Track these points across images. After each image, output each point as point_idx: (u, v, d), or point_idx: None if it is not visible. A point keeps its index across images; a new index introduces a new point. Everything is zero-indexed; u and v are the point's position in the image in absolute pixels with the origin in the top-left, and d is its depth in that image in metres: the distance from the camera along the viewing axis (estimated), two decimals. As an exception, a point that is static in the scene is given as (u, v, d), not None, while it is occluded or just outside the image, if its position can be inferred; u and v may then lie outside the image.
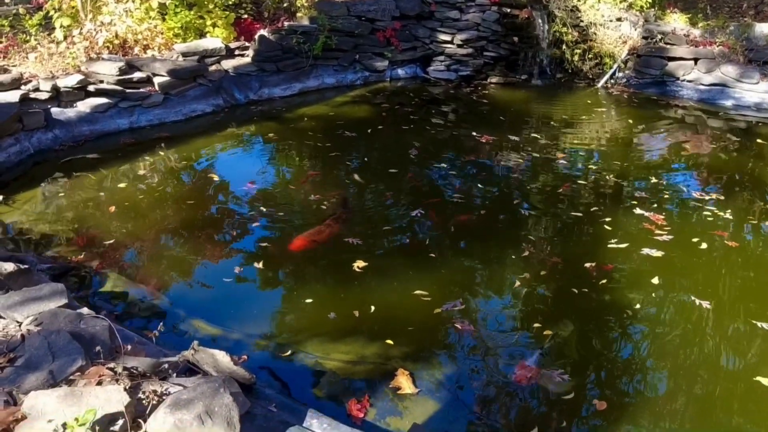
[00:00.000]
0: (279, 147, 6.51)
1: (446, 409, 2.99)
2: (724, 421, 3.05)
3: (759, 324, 3.64)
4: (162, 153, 6.13)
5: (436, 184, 5.66)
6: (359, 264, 4.12)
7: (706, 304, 3.81)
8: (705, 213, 5.04)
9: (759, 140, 6.93)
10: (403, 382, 3.07)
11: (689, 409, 3.11)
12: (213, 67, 7.63)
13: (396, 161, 6.03)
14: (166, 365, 2.53)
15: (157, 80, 6.90)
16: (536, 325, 3.63)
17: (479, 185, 5.57)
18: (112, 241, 4.38)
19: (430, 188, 5.55)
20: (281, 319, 3.68)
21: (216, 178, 5.58)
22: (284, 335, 3.50)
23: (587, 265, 4.20)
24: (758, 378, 3.24)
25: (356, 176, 5.62)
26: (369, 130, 6.92)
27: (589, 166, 6.12)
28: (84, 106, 6.44)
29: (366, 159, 6.18)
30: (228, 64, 7.76)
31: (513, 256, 4.33)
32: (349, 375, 3.18)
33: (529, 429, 2.89)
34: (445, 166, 6.01)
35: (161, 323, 3.09)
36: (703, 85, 8.39)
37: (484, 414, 3.00)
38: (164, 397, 2.25)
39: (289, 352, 3.33)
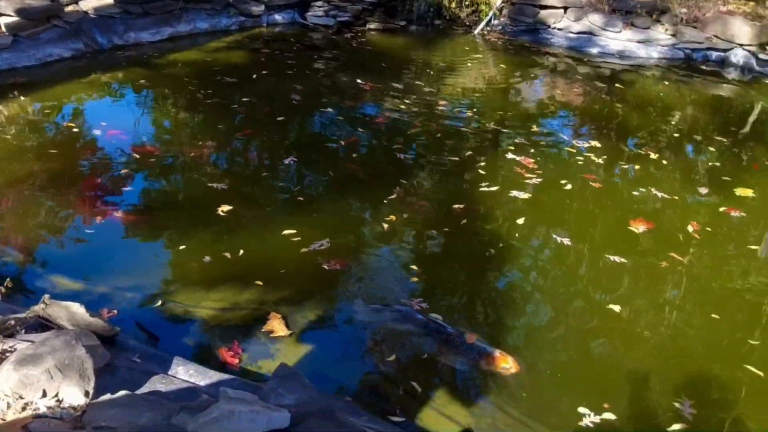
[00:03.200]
0: (151, 95, 6.16)
1: (319, 349, 3.02)
2: (579, 346, 3.28)
3: (611, 258, 3.91)
4: (17, 101, 5.63)
5: (316, 130, 5.60)
6: (224, 209, 4.04)
7: (566, 240, 4.05)
8: (576, 157, 5.32)
9: (620, 86, 7.37)
10: (276, 326, 3.06)
11: (545, 335, 3.31)
12: (70, 8, 7.03)
13: (277, 108, 5.89)
14: (13, 322, 2.36)
15: (3, 20, 6.26)
16: (404, 263, 3.72)
17: (360, 131, 5.57)
18: (-43, 197, 4.02)
19: (311, 135, 5.48)
20: (149, 269, 3.53)
21: (79, 128, 5.21)
22: (153, 286, 3.36)
23: (455, 206, 4.33)
24: (611, 306, 3.49)
25: (235, 123, 5.45)
26: (249, 77, 6.68)
27: (469, 113, 6.25)
28: None
29: (246, 106, 5.98)
30: (87, 5, 7.18)
31: (385, 200, 4.36)
32: (222, 322, 3.13)
33: (402, 365, 2.98)
34: (328, 111, 5.94)
35: (7, 279, 2.88)
36: (572, 33, 8.76)
37: (356, 352, 3.06)
38: (8, 354, 2.11)
39: (159, 303, 3.22)
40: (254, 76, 6.73)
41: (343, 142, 5.29)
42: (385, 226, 4.04)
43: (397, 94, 6.54)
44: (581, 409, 2.79)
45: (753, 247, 4.20)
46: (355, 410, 2.64)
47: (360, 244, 3.94)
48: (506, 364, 2.95)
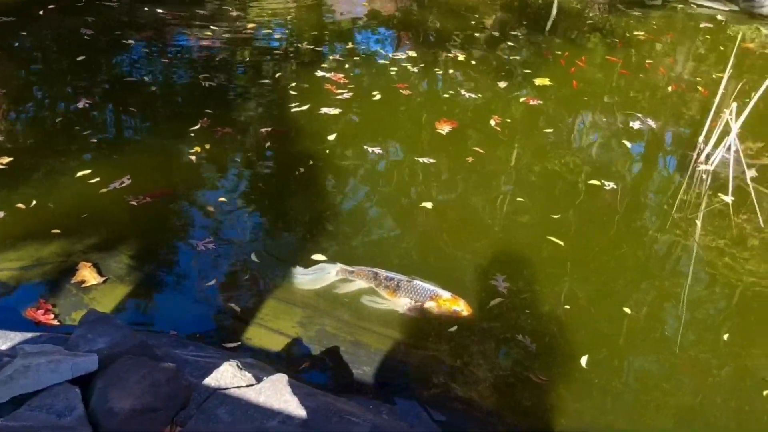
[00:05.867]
0: None
1: (140, 289, 2.95)
2: (399, 243, 3.47)
3: (421, 159, 4.12)
4: None
5: (113, 67, 5.22)
6: (2, 161, 3.73)
7: (377, 149, 4.18)
8: (390, 68, 5.43)
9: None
10: (87, 275, 2.93)
11: (360, 238, 3.45)
12: None
13: (68, 47, 5.40)
14: None
15: None
16: (209, 181, 3.73)
17: (163, 62, 5.28)
18: None
19: (107, 72, 5.11)
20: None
21: None
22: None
23: (263, 130, 4.31)
24: (423, 204, 3.71)
25: (18, 66, 4.94)
26: (30, 13, 6.01)
27: (279, 35, 6.12)
28: None
29: (31, 47, 5.42)
30: None
31: (191, 131, 4.23)
32: (26, 281, 2.94)
33: (227, 292, 3.00)
34: (127, 45, 5.55)
35: None
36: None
37: (179, 285, 3.04)
38: None
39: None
40: (41, 12, 6.09)
41: (146, 78, 5.00)
42: (192, 157, 3.94)
43: (202, 22, 6.24)
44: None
45: (548, 130, 4.60)
46: (179, 342, 2.65)
47: (164, 177, 3.80)
48: (458, 306, 2.95)
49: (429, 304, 2.95)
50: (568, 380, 2.67)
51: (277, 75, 5.13)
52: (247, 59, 5.43)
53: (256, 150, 4.12)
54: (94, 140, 4.09)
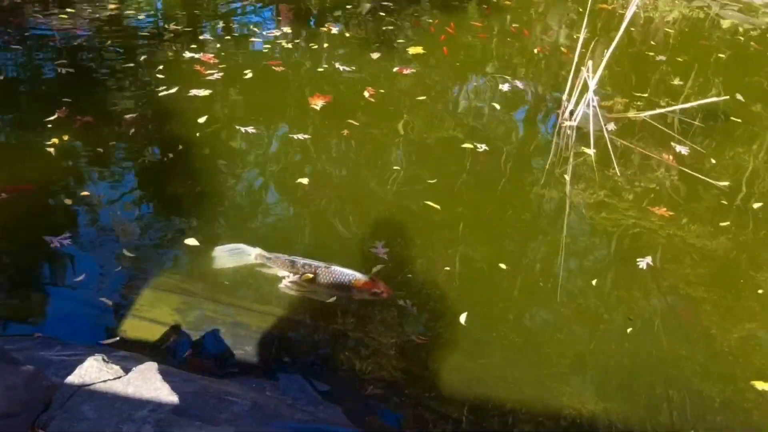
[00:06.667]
0: None
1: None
2: (279, 220, 3.45)
3: (296, 136, 4.08)
4: None
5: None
6: None
7: (251, 129, 4.10)
8: (265, 45, 5.33)
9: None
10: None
11: (235, 212, 3.42)
12: None
13: None
14: None
15: None
16: (70, 174, 3.59)
17: (13, 50, 4.92)
18: None
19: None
20: None
21: None
22: None
23: (128, 116, 4.12)
24: (299, 180, 3.68)
25: None
26: None
27: (147, 16, 5.84)
28: None
29: None
30: None
31: (46, 121, 3.97)
32: None
33: (97, 286, 2.88)
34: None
35: None
36: None
37: (45, 285, 2.89)
38: None
39: None
40: None
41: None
42: (50, 150, 3.70)
43: (59, 3, 5.83)
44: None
45: (421, 98, 4.69)
46: (44, 344, 2.53)
47: (21, 173, 3.55)
48: (377, 289, 2.90)
49: (348, 289, 2.93)
50: (448, 338, 2.77)
51: (142, 58, 4.90)
52: (109, 42, 5.14)
53: (120, 138, 3.93)
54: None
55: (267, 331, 2.73)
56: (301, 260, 3.02)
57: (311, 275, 2.97)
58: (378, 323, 2.81)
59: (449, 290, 3.00)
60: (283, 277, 2.98)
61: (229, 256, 3.07)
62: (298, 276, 2.99)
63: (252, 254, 3.06)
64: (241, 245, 3.11)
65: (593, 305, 3.03)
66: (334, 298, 2.89)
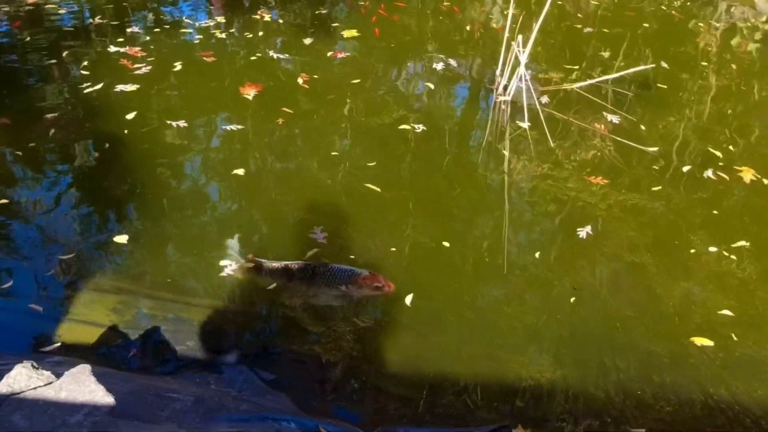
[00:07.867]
0: None
1: None
2: (213, 211, 3.37)
3: (229, 127, 4.00)
4: None
5: None
6: None
7: (182, 123, 3.99)
8: (196, 36, 5.19)
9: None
10: None
11: (155, 203, 3.34)
12: None
13: None
14: None
15: None
16: None
17: None
18: None
19: None
20: None
21: None
22: None
23: (49, 116, 3.97)
24: (234, 171, 3.63)
25: None
26: None
27: (70, 9, 5.64)
28: None
29: None
30: None
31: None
32: None
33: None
34: None
35: None
36: None
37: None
38: None
39: None
40: None
41: None
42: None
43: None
44: (224, 262, 2.95)
45: (355, 81, 4.65)
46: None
47: None
48: (378, 282, 2.83)
49: (350, 287, 2.85)
50: (396, 319, 2.76)
51: (65, 54, 4.72)
52: (28, 39, 4.93)
53: (40, 140, 3.76)
54: None
55: (209, 325, 2.68)
56: (296, 264, 2.91)
57: (310, 278, 2.87)
58: (322, 309, 2.78)
59: (393, 272, 2.98)
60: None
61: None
62: (295, 280, 2.88)
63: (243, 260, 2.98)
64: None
65: (541, 276, 3.07)
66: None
